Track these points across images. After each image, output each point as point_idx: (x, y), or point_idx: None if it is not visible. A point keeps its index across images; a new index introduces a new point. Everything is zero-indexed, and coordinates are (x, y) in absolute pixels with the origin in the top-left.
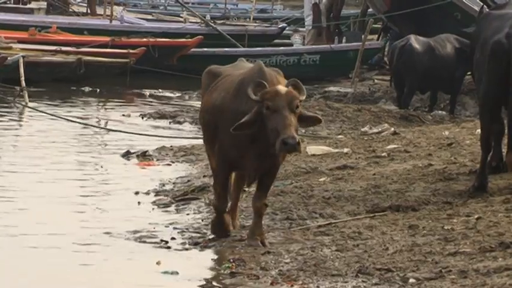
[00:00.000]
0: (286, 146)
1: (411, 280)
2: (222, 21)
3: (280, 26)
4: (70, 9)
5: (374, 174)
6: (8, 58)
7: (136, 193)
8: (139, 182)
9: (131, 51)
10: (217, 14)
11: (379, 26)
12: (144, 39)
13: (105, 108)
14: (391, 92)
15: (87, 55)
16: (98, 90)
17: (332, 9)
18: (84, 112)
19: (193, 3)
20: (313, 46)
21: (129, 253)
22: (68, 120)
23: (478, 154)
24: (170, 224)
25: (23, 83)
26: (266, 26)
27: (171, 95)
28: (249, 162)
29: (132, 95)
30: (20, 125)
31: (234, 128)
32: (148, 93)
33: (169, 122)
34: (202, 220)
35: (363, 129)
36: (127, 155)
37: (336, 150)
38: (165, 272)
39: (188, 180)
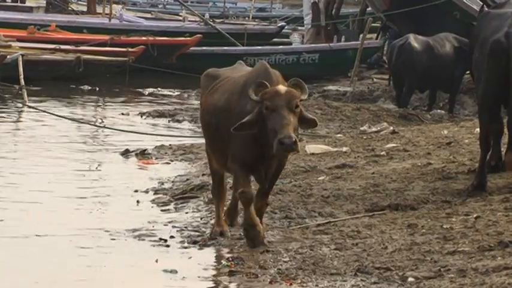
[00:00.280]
0: (283, 146)
1: (410, 279)
2: (221, 20)
3: (279, 24)
4: (69, 8)
5: (373, 173)
6: (7, 56)
7: (135, 191)
8: (138, 181)
9: (130, 49)
10: (216, 13)
11: (378, 25)
12: (143, 38)
13: (104, 107)
14: (390, 91)
15: (86, 53)
16: (97, 88)
17: (329, 8)
18: (83, 111)
19: (192, 2)
20: (312, 45)
21: (128, 251)
22: (66, 118)
23: (477, 153)
24: (169, 222)
25: (22, 82)
26: (265, 25)
27: (170, 93)
28: (257, 163)
29: (131, 93)
30: (19, 124)
31: (234, 128)
32: (147, 92)
33: (169, 121)
34: (201, 219)
35: (362, 128)
36: (126, 153)
37: (335, 149)
38: (164, 271)
39: (187, 179)
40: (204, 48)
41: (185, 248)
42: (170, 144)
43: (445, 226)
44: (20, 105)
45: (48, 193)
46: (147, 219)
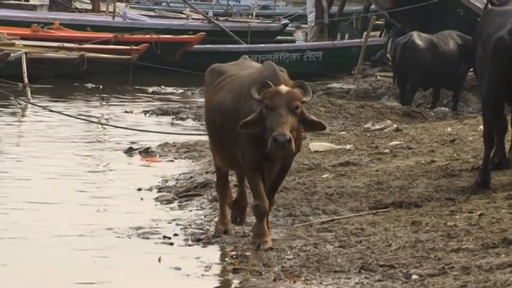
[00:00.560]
0: (276, 143)
1: (414, 276)
2: (224, 18)
3: (282, 22)
4: (73, 6)
5: (377, 170)
6: (11, 54)
7: (139, 189)
8: (142, 179)
9: (134, 47)
10: (220, 11)
11: (382, 22)
12: (147, 36)
13: (108, 105)
14: (393, 88)
15: (90, 51)
16: (101, 86)
17: (331, 6)
18: (86, 108)
19: (195, 0)
20: (316, 43)
21: (132, 249)
22: (70, 116)
23: (480, 150)
24: (173, 220)
25: (26, 80)
26: (268, 23)
27: (174, 91)
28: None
29: (135, 91)
30: (23, 122)
31: (240, 126)
32: (151, 90)
33: (172, 119)
34: (205, 216)
35: (365, 126)
36: (130, 151)
37: (339, 147)
38: (168, 268)
39: (191, 177)
40: (208, 46)
41: (189, 245)
42: (174, 142)
43: (449, 223)
44: (23, 103)
45: (51, 191)
46: (150, 217)
